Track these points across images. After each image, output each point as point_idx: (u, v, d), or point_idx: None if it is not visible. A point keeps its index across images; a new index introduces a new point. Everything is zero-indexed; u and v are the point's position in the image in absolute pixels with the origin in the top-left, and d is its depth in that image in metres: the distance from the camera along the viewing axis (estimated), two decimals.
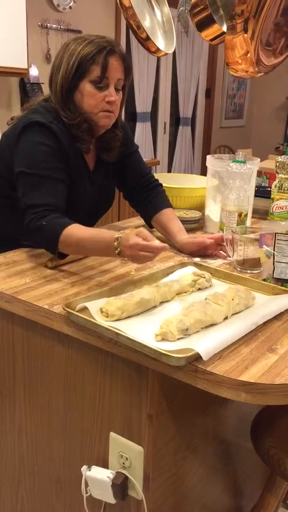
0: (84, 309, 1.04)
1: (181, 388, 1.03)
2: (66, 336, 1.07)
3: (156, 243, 1.16)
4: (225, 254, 1.43)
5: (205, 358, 0.87)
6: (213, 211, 1.70)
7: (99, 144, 1.53)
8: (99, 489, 1.06)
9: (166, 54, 2.00)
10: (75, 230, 1.26)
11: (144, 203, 1.63)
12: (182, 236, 1.49)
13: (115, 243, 1.19)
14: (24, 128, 1.36)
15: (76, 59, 1.35)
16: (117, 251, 1.19)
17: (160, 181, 1.70)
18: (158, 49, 1.94)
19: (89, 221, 1.62)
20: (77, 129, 1.40)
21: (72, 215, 1.34)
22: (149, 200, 1.62)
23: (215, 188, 1.70)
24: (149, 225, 1.64)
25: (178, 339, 0.96)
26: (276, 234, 1.22)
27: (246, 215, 1.55)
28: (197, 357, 0.87)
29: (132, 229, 1.26)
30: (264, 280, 1.26)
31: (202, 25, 2.05)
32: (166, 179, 1.95)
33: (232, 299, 1.08)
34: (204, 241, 1.44)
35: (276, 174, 1.67)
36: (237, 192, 1.53)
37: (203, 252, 1.45)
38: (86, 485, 1.08)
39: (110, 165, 1.59)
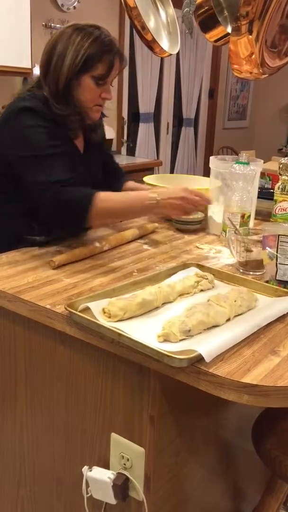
0: (87, 309, 1.04)
1: (183, 390, 1.02)
2: (68, 336, 1.07)
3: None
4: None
5: (207, 359, 0.87)
6: (216, 212, 1.70)
7: (86, 126, 1.55)
8: (99, 490, 1.06)
9: (170, 55, 2.01)
10: (106, 194, 1.34)
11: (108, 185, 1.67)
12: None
13: (154, 195, 1.32)
14: (13, 114, 1.37)
15: (84, 55, 1.37)
16: (154, 199, 1.31)
17: (162, 182, 1.71)
18: (162, 50, 1.94)
19: None
20: (66, 118, 1.43)
21: None
22: (111, 183, 1.69)
23: (218, 190, 1.70)
24: None
25: (180, 340, 0.96)
26: (279, 236, 1.22)
27: (249, 216, 1.55)
28: (199, 359, 0.87)
29: None
30: (267, 282, 1.26)
31: (206, 26, 2.05)
32: (168, 180, 1.95)
33: (235, 301, 1.08)
34: None
35: (279, 176, 1.67)
36: (240, 194, 1.53)
37: None
38: (87, 485, 1.08)
39: (97, 148, 1.62)
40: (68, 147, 1.45)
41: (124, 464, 1.05)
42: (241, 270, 1.36)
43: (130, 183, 1.74)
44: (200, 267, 1.31)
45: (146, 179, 1.89)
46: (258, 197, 1.80)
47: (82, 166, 1.51)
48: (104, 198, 1.34)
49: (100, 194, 1.33)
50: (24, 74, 3.20)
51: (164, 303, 1.12)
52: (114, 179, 1.74)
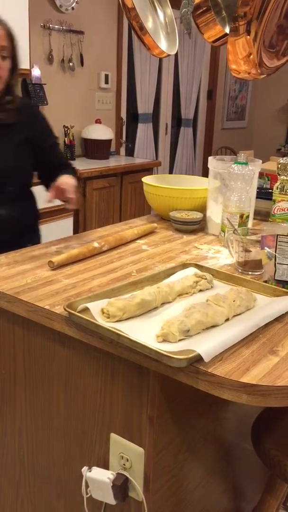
0: (86, 310, 1.04)
1: (182, 390, 1.03)
2: (67, 337, 1.07)
3: None
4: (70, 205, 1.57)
5: (206, 359, 0.87)
6: (214, 213, 1.70)
7: None
8: (99, 490, 1.06)
9: (169, 55, 2.00)
10: None
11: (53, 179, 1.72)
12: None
13: None
14: None
15: None
16: None
17: (161, 182, 1.71)
18: (160, 51, 1.94)
19: None
20: None
21: None
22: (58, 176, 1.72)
23: (217, 190, 1.70)
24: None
25: (179, 340, 0.96)
26: (278, 236, 1.22)
27: (247, 216, 1.55)
28: (198, 359, 0.87)
29: None
30: (266, 281, 1.26)
31: (204, 27, 2.05)
32: (167, 180, 1.95)
33: (234, 301, 1.08)
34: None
35: (278, 176, 1.67)
36: (239, 194, 1.53)
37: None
38: (87, 486, 1.08)
39: (11, 135, 1.67)
40: None
41: (124, 465, 1.05)
42: (240, 270, 1.36)
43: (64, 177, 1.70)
44: (199, 267, 1.31)
45: (145, 179, 1.90)
46: (257, 197, 1.80)
47: None
48: None
49: None
50: (23, 75, 3.20)
51: (163, 303, 1.12)
52: (53, 169, 1.76)
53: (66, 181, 1.60)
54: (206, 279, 1.22)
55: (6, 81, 1.62)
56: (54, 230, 3.18)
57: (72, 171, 1.82)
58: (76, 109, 4.00)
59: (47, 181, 1.75)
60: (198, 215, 1.74)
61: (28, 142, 1.71)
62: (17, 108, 1.67)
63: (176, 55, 4.88)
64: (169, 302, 1.13)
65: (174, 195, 1.78)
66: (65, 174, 1.68)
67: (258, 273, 1.33)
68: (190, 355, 0.87)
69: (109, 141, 3.98)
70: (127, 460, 1.04)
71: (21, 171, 1.73)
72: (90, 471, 1.06)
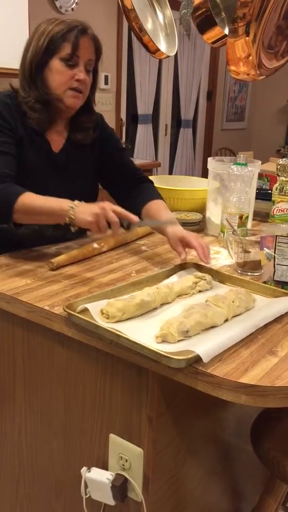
0: (85, 310, 1.04)
1: (181, 390, 1.03)
2: (66, 338, 1.07)
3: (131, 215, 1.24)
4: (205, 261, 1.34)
5: (205, 360, 0.87)
6: (214, 214, 1.70)
7: (73, 126, 1.52)
8: (98, 491, 1.06)
9: (168, 56, 2.01)
10: (30, 196, 1.27)
11: (133, 196, 1.57)
12: (174, 227, 1.42)
13: (72, 204, 1.22)
14: None
15: (47, 36, 1.36)
16: (71, 206, 1.21)
17: (161, 183, 1.69)
18: (160, 52, 1.95)
19: None
20: (30, 109, 1.40)
21: None
22: (138, 193, 1.57)
23: (216, 191, 1.70)
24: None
25: (179, 341, 0.96)
26: (277, 237, 1.22)
27: (247, 217, 1.56)
28: (197, 359, 0.87)
29: None
30: (265, 282, 1.26)
31: (204, 28, 2.05)
32: (167, 181, 1.96)
33: (233, 302, 1.08)
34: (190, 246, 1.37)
35: (277, 177, 1.67)
36: (238, 195, 1.53)
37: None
38: (86, 486, 1.08)
39: (85, 157, 1.56)
40: (33, 141, 1.43)
41: (123, 465, 1.05)
42: (239, 271, 1.36)
43: (157, 205, 1.53)
44: (199, 268, 1.31)
45: None
46: (256, 198, 1.81)
47: (52, 162, 1.48)
48: (29, 196, 1.28)
49: (27, 193, 1.28)
50: None
51: (162, 304, 1.12)
52: (132, 186, 1.61)
53: (184, 232, 1.38)
54: (205, 280, 1.22)
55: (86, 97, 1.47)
56: None
57: (158, 193, 1.59)
58: None
59: (129, 203, 1.49)
60: (197, 216, 1.75)
61: (100, 158, 1.59)
62: (94, 126, 1.55)
63: (175, 56, 4.88)
64: (168, 303, 1.13)
65: (174, 196, 1.78)
66: (159, 208, 1.49)
67: (257, 274, 1.34)
68: (189, 356, 0.87)
69: None
70: (126, 460, 1.04)
71: (96, 192, 1.62)
72: (89, 472, 1.06)
